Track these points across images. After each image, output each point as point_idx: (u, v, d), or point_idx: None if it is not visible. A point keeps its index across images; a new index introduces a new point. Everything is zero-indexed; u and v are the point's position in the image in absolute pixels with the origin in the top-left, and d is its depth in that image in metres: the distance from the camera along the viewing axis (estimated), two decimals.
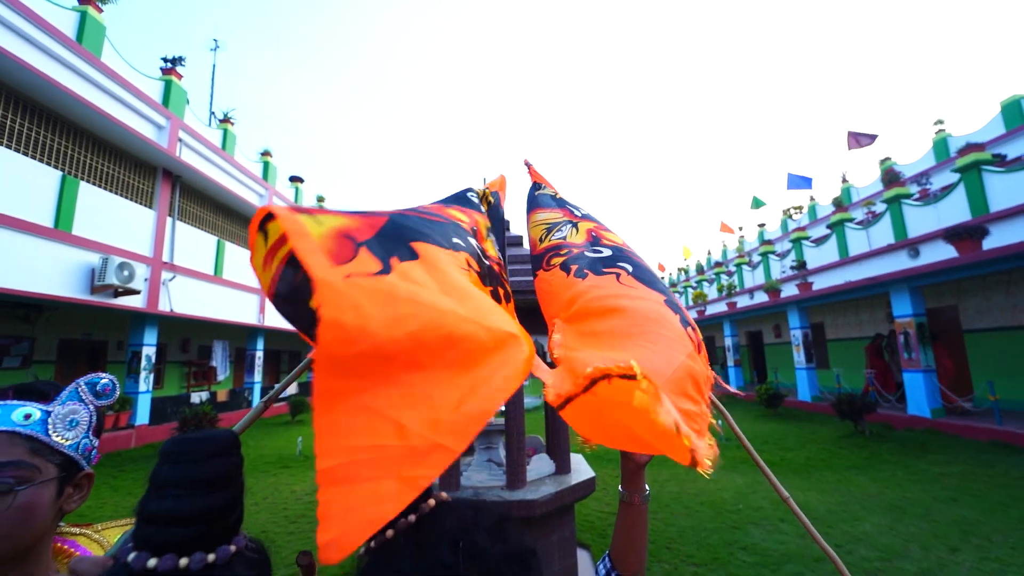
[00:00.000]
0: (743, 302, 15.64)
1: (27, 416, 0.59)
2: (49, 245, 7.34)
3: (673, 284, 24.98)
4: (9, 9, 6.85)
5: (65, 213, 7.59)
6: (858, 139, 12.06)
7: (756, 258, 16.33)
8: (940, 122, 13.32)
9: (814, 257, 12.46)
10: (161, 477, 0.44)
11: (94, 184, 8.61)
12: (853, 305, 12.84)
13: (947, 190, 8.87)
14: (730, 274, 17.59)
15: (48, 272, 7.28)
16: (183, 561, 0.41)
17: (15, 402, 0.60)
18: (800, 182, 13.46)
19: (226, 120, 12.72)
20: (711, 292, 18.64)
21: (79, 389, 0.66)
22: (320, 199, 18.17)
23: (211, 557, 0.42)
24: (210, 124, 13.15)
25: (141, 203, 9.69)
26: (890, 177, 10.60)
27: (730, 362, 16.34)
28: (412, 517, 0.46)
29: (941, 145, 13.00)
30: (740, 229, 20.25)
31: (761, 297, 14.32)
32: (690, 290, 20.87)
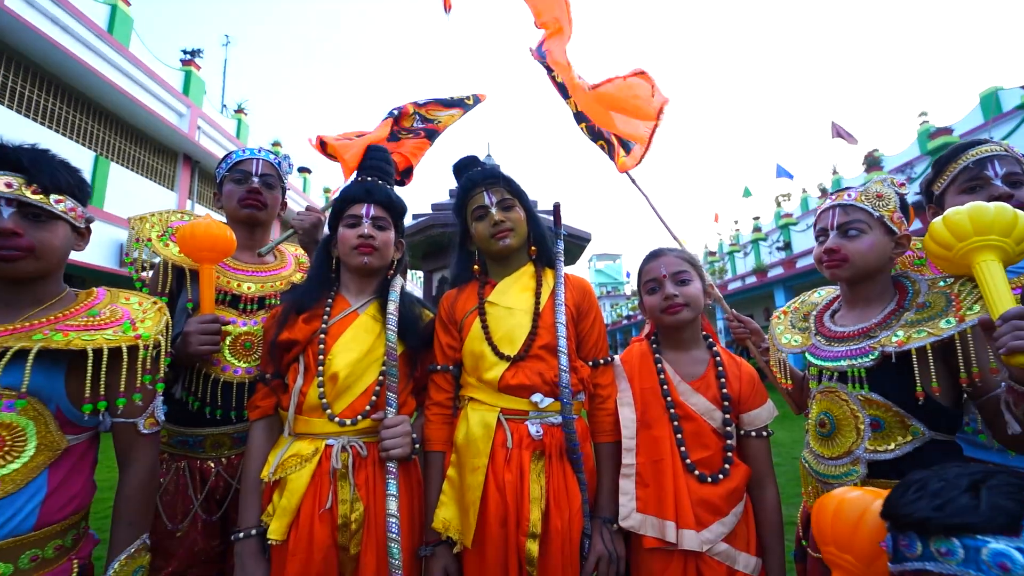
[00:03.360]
0: (734, 286, 16.23)
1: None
2: None
3: None
4: (50, 1, 7.49)
5: (98, 190, 8.22)
6: (841, 132, 12.65)
7: (748, 247, 16.92)
8: (924, 114, 13.85)
9: (801, 242, 13.07)
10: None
11: (122, 165, 9.25)
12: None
13: (921, 172, 9.47)
14: (722, 260, 18.18)
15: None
16: None
17: None
18: (784, 173, 14.10)
19: (240, 110, 13.36)
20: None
21: None
22: (327, 190, 18.82)
23: None
24: (222, 113, 13.80)
25: (164, 185, 10.32)
26: (870, 163, 11.19)
27: (719, 325, 16.96)
28: None
29: (924, 136, 13.57)
30: (736, 223, 20.80)
31: (751, 280, 14.91)
32: None
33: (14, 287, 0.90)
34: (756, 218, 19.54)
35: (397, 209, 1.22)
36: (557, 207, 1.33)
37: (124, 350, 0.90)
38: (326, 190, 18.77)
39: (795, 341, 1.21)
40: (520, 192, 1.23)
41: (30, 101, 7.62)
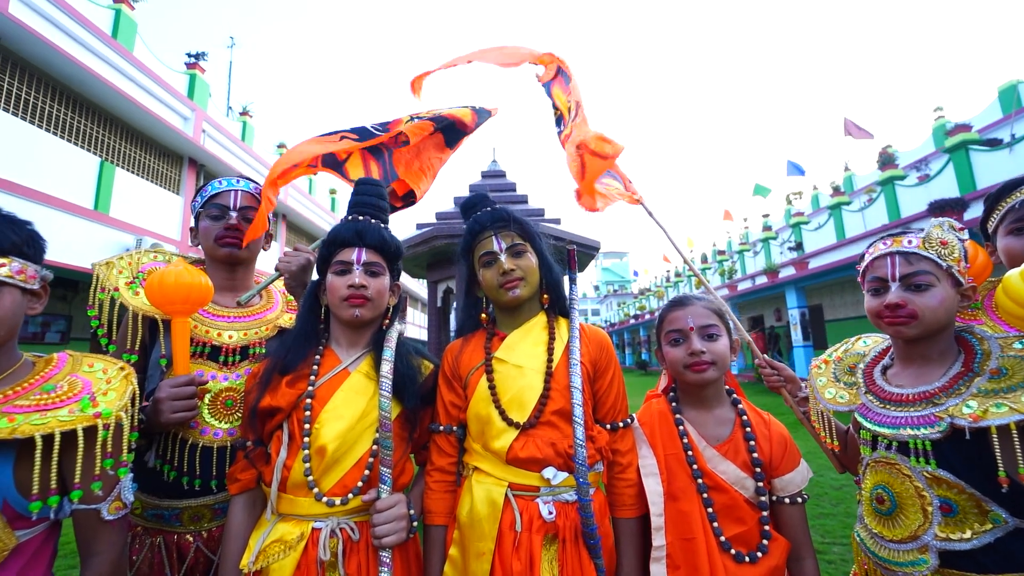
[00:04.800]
0: (744, 286, 15.97)
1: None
2: (90, 225, 7.96)
3: (678, 274, 25.25)
4: (55, 7, 7.45)
5: (103, 196, 8.20)
6: (853, 129, 12.33)
7: (759, 246, 16.64)
8: (940, 109, 13.49)
9: (813, 241, 12.79)
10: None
11: (127, 170, 9.23)
12: (851, 285, 13.13)
13: (938, 170, 9.19)
14: (732, 258, 17.91)
15: (89, 249, 7.90)
16: None
17: None
18: (795, 169, 13.83)
19: (245, 113, 13.32)
20: (714, 279, 18.95)
21: None
22: (332, 191, 18.77)
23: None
24: (227, 116, 13.76)
25: (169, 189, 10.30)
26: (884, 160, 10.89)
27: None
28: None
29: (940, 131, 13.19)
30: (745, 220, 20.47)
31: (762, 280, 14.66)
32: (692, 279, 21.19)
33: None
34: (766, 216, 19.22)
35: (392, 252, 1.10)
36: (572, 252, 1.20)
37: (80, 433, 0.79)
38: (332, 191, 18.69)
39: (841, 398, 1.07)
40: (533, 235, 1.11)
41: (35, 107, 7.60)
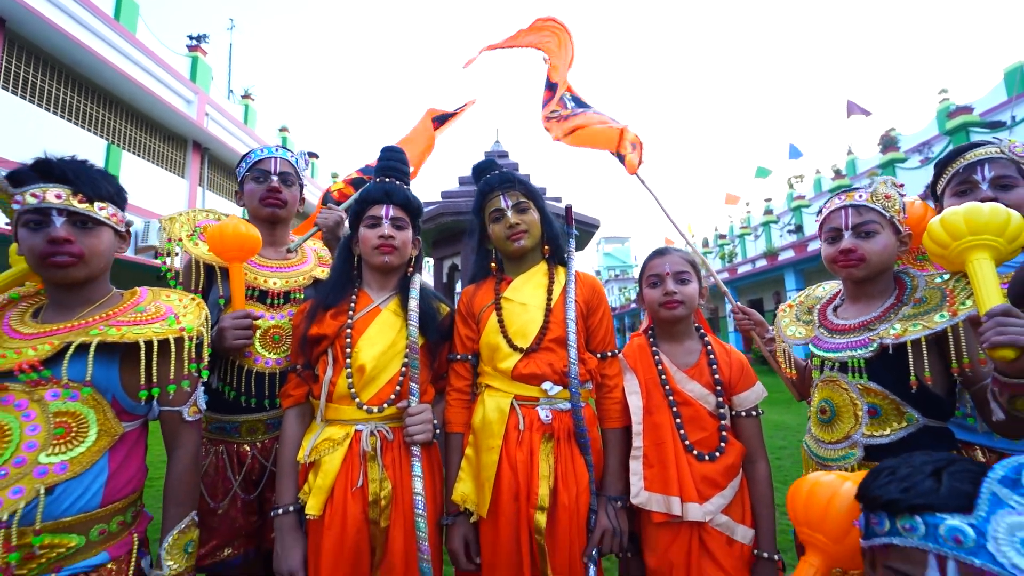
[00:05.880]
0: (744, 270, 16.13)
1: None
2: None
3: None
4: None
5: None
6: (855, 108, 12.32)
7: (759, 230, 16.74)
8: (944, 91, 13.40)
9: (813, 224, 12.87)
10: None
11: (133, 153, 9.35)
12: None
13: (939, 153, 9.24)
14: (732, 243, 18.03)
15: None
16: None
17: None
18: (797, 152, 13.90)
19: (247, 96, 13.34)
20: (715, 263, 19.09)
21: None
22: (334, 176, 18.83)
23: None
24: (229, 99, 13.78)
25: (174, 173, 10.42)
26: (887, 143, 10.92)
27: (730, 327, 16.94)
28: None
29: (944, 114, 13.14)
30: (747, 204, 20.48)
31: (761, 264, 14.80)
32: None
33: (67, 290, 0.98)
34: (768, 200, 19.25)
35: (414, 209, 1.28)
36: (569, 209, 1.38)
37: (171, 341, 0.98)
38: (334, 175, 18.79)
39: (799, 333, 1.27)
40: (535, 195, 1.29)
41: (43, 91, 7.70)
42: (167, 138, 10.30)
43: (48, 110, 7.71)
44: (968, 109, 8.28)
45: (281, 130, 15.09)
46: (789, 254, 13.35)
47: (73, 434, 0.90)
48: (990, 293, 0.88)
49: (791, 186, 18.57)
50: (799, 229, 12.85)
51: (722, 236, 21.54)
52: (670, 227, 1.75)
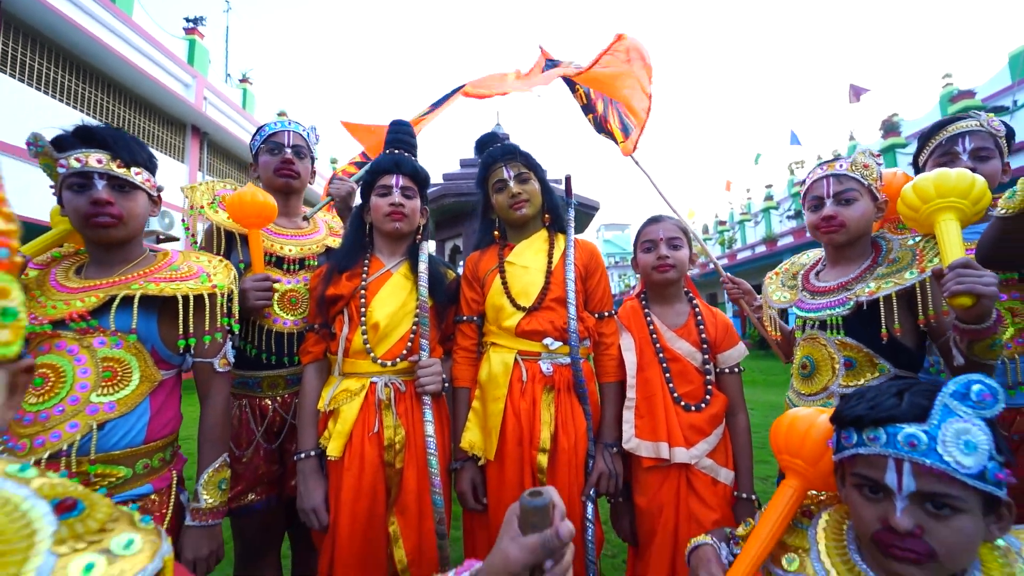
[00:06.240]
0: (744, 255, 16.20)
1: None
2: None
3: None
4: None
5: None
6: (858, 92, 12.25)
7: (759, 216, 16.77)
8: (948, 76, 13.28)
9: None
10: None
11: None
12: None
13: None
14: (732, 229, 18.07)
15: None
16: None
17: None
18: (796, 140, 13.92)
19: (245, 80, 13.22)
20: (715, 250, 19.15)
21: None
22: (333, 161, 18.74)
23: None
24: (227, 83, 13.66)
25: (174, 157, 10.41)
26: (888, 127, 10.89)
27: (729, 313, 17.10)
28: None
29: (946, 100, 13.05)
30: (747, 191, 20.45)
31: (761, 250, 14.87)
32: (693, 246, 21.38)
33: (107, 249, 1.06)
34: (769, 186, 19.21)
35: (422, 179, 1.35)
36: (568, 179, 1.45)
37: (205, 297, 1.07)
38: (333, 160, 18.68)
39: (784, 298, 1.36)
40: (535, 166, 1.36)
41: (40, 74, 7.66)
42: (166, 122, 10.25)
43: (46, 93, 7.69)
44: (970, 94, 8.25)
45: (279, 115, 14.97)
46: (788, 240, 13.41)
47: (119, 378, 0.99)
48: (953, 249, 0.96)
49: (792, 172, 18.53)
50: (799, 215, 12.90)
51: (722, 223, 21.55)
52: (669, 212, 1.82)
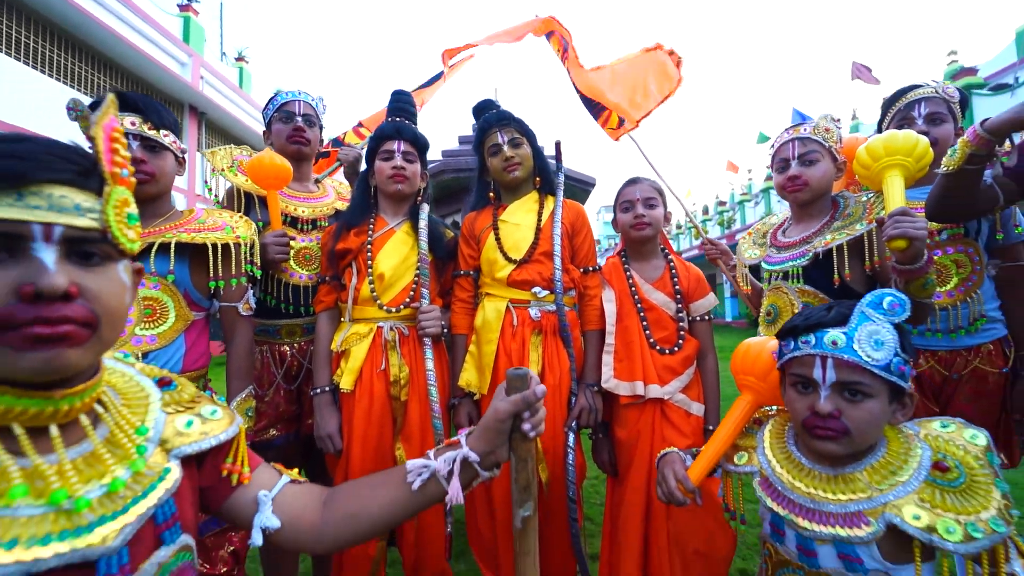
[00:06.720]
0: (742, 236, 16.29)
1: None
2: None
3: (679, 226, 25.47)
4: None
5: None
6: (862, 73, 12.08)
7: (760, 196, 16.76)
8: (953, 53, 13.11)
9: None
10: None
11: None
12: None
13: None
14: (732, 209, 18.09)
15: None
16: None
17: None
18: (801, 117, 13.73)
19: (240, 59, 13.08)
20: (714, 230, 19.21)
21: None
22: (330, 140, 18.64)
23: None
24: (222, 62, 13.51)
25: None
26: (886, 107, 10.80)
27: (726, 294, 17.27)
28: None
29: (949, 77, 12.91)
30: (749, 172, 20.35)
31: None
32: (692, 230, 21.41)
33: (140, 205, 1.18)
34: (770, 166, 19.12)
35: (422, 145, 1.47)
36: (558, 145, 1.57)
37: (232, 246, 1.21)
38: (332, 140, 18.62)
39: (754, 255, 1.49)
40: (528, 132, 1.47)
41: (36, 52, 7.64)
42: (164, 102, 10.14)
43: (42, 71, 7.67)
44: (972, 71, 8.21)
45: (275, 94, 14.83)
46: None
47: (157, 315, 1.13)
48: (895, 201, 1.08)
49: None
50: None
51: (722, 203, 21.53)
52: (668, 195, 1.94)
